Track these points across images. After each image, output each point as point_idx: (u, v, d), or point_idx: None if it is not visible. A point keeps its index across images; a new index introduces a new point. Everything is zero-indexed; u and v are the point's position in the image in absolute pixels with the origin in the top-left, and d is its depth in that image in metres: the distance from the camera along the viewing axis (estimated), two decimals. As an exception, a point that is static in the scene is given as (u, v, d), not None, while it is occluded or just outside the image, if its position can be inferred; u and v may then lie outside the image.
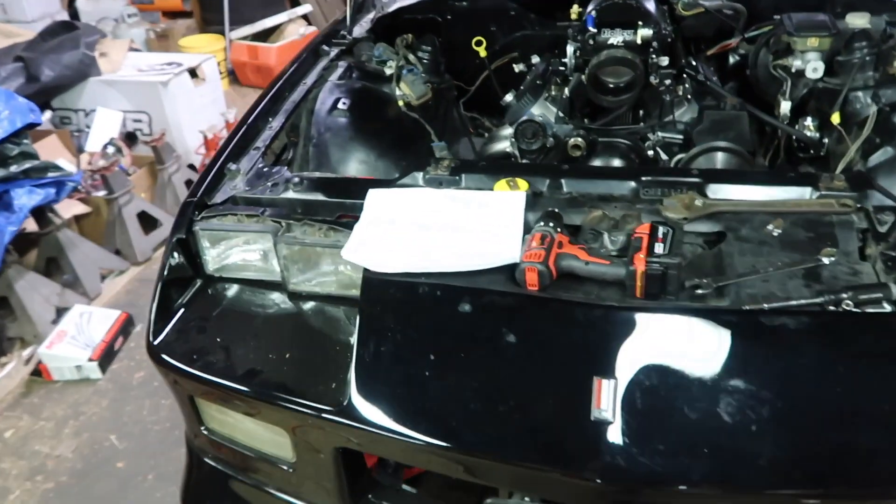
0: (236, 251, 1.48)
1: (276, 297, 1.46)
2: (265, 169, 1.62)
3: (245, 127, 1.73)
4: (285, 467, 1.36)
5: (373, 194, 1.43)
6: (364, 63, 2.10)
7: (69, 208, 3.11)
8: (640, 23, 1.66)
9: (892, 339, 1.09)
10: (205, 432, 1.44)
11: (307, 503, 1.38)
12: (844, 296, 1.09)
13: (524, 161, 1.75)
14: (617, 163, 1.78)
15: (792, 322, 1.09)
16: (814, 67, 1.81)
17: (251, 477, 1.45)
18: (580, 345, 1.13)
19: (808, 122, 1.84)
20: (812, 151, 1.78)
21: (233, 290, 1.48)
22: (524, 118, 1.82)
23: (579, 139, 1.78)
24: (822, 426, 1.04)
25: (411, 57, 2.08)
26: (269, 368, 1.30)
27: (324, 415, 1.20)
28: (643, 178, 1.40)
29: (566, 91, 1.94)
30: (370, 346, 1.21)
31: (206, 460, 1.53)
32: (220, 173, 1.60)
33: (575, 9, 1.73)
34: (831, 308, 1.09)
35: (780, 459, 1.02)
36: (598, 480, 1.02)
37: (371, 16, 2.43)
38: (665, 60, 1.72)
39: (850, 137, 1.73)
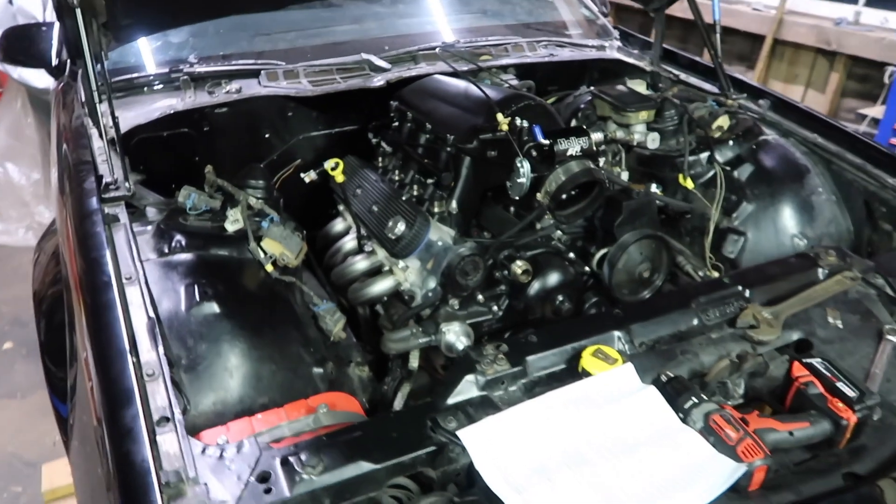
0: None
1: None
2: (223, 453, 0.96)
3: (133, 394, 0.99)
4: None
5: (469, 438, 0.97)
6: (181, 222, 1.44)
7: None
8: (584, 127, 1.50)
9: None
10: None
11: None
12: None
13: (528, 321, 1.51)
14: (556, 277, 1.59)
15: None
16: (652, 138, 1.90)
17: None
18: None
19: (654, 187, 1.94)
20: (688, 215, 1.88)
21: None
22: (463, 254, 1.50)
23: (522, 263, 1.54)
24: None
25: (252, 201, 1.50)
26: None
27: None
28: (697, 302, 1.27)
29: (453, 205, 1.65)
30: None
31: None
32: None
33: (501, 118, 1.47)
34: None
35: None
36: None
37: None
38: (602, 160, 1.59)
39: (704, 197, 1.88)
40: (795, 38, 3.81)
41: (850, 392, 1.05)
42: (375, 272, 1.72)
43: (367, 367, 1.51)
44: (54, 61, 2.06)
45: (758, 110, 2.06)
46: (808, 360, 1.11)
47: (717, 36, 2.14)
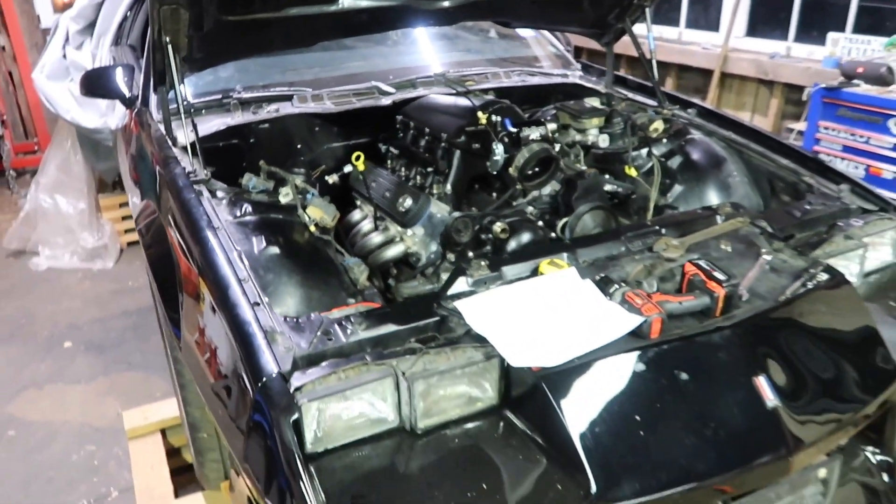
0: (341, 411, 1.31)
1: (403, 444, 1.34)
2: (298, 320, 1.44)
3: (235, 286, 1.48)
4: None
5: (466, 306, 1.46)
6: (248, 196, 1.94)
7: None
8: (542, 119, 2.02)
9: (839, 287, 1.67)
10: None
11: None
12: (813, 272, 1.64)
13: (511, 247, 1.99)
14: (528, 235, 2.07)
15: (803, 298, 1.59)
16: (603, 139, 2.43)
17: None
18: (728, 361, 1.42)
19: (607, 177, 2.45)
20: (633, 196, 2.39)
21: (353, 458, 1.30)
22: (455, 217, 2.00)
23: (500, 224, 2.04)
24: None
25: (298, 182, 2.00)
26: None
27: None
28: (625, 236, 1.76)
29: (448, 187, 2.16)
30: (585, 429, 1.28)
31: None
32: (251, 345, 1.36)
33: (481, 115, 1.99)
34: (811, 284, 1.63)
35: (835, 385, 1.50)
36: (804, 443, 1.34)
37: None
38: (558, 146, 2.11)
39: (646, 182, 2.39)
40: (739, 71, 4.40)
41: (721, 276, 1.54)
42: (389, 242, 2.22)
43: (386, 308, 1.98)
44: (127, 94, 2.59)
45: (687, 117, 2.60)
46: (696, 261, 1.60)
47: (654, 62, 2.69)
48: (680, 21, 4.93)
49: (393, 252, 2.15)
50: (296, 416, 1.22)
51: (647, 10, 2.70)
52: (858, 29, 3.84)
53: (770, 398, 1.39)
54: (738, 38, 4.49)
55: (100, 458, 2.61)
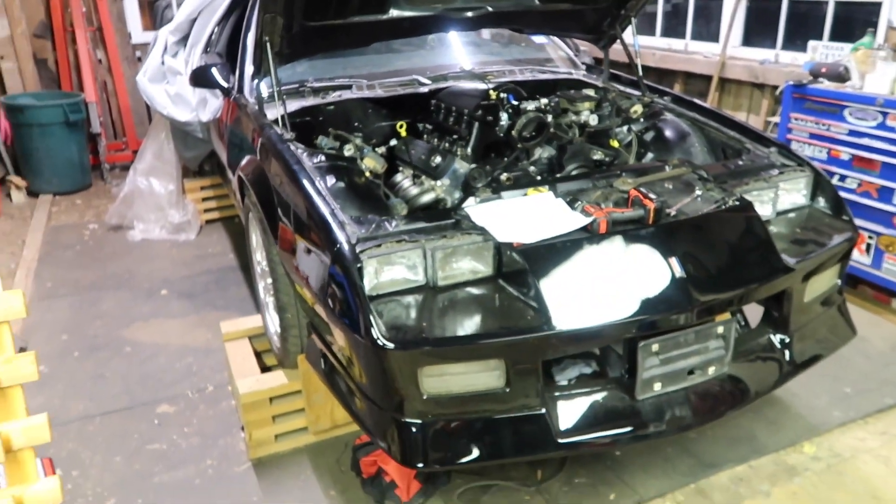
0: (387, 272, 2.00)
1: (427, 294, 2.02)
2: (360, 218, 2.15)
3: (322, 204, 2.21)
4: (498, 392, 1.93)
5: (472, 210, 2.15)
6: (321, 150, 2.67)
7: None
8: (537, 95, 2.71)
9: (745, 210, 2.30)
10: (425, 398, 1.90)
11: (514, 409, 1.96)
12: (727, 200, 2.28)
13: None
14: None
15: (715, 215, 2.23)
16: (594, 119, 3.10)
17: (469, 413, 1.95)
18: (652, 247, 2.07)
19: (595, 147, 3.11)
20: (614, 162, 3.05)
21: (396, 301, 1.98)
22: (472, 168, 2.69)
23: (507, 175, 2.72)
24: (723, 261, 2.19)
25: (358, 141, 2.73)
26: (485, 328, 1.89)
27: (541, 334, 1.88)
28: (594, 177, 2.43)
29: (469, 150, 2.85)
30: (549, 283, 1.95)
31: (428, 421, 1.93)
32: (330, 229, 2.07)
33: (493, 93, 2.70)
34: (723, 206, 2.26)
35: (728, 278, 2.12)
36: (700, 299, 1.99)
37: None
38: (551, 116, 2.80)
39: (626, 151, 3.05)
40: (735, 76, 5.01)
41: (654, 196, 2.19)
42: (423, 192, 2.91)
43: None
44: (226, 85, 3.36)
45: (663, 102, 3.25)
46: (639, 187, 2.26)
47: (638, 60, 3.35)
48: (686, 34, 5.57)
49: (426, 198, 2.83)
50: (360, 265, 1.92)
51: (633, 19, 3.37)
52: (834, 37, 4.43)
53: (679, 272, 2.03)
54: (734, 48, 5.10)
55: (197, 366, 3.35)
